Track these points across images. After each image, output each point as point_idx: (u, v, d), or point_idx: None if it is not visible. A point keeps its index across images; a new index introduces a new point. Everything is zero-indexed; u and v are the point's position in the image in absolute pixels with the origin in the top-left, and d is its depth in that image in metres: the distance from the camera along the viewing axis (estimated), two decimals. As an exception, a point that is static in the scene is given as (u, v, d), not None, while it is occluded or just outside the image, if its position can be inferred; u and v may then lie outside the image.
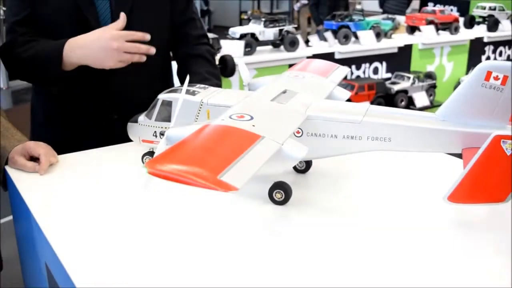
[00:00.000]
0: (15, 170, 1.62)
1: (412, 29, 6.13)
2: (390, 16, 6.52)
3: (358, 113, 1.39)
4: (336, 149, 1.41)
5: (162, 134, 1.52)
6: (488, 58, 6.58)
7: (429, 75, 5.73)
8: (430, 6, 6.74)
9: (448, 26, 6.21)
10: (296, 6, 10.92)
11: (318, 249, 1.21)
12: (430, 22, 6.07)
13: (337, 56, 5.06)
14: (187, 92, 1.50)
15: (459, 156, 1.39)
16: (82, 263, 1.14)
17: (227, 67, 4.05)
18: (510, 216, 1.34)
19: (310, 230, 1.29)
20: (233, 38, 4.64)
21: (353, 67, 5.33)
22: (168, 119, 1.51)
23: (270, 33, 4.72)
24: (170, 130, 1.34)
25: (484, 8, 6.93)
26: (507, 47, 6.86)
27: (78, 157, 1.76)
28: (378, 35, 5.48)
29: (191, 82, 1.56)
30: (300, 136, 1.40)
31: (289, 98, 1.46)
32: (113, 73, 1.83)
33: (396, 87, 5.38)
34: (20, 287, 1.91)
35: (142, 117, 1.58)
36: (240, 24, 5.67)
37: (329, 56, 4.87)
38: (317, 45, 5.14)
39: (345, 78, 5.08)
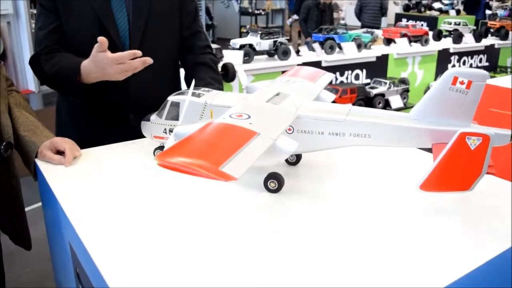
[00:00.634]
0: (44, 163, 1.61)
1: (388, 41, 6.13)
2: (369, 30, 6.51)
3: (342, 112, 1.37)
4: (322, 144, 1.40)
5: (171, 131, 1.51)
6: (453, 66, 6.59)
7: (403, 81, 5.74)
8: (404, 21, 6.73)
9: (419, 38, 6.22)
10: (289, 21, 10.92)
11: (308, 231, 1.20)
12: (403, 35, 6.08)
13: (323, 64, 5.05)
14: (193, 94, 1.49)
15: (429, 150, 1.38)
16: (100, 242, 1.13)
17: (228, 74, 4.04)
18: (474, 203, 1.33)
19: (301, 214, 1.28)
20: (233, 48, 4.63)
21: (337, 73, 5.33)
22: (176, 118, 1.50)
23: (265, 44, 4.71)
24: (178, 128, 1.32)
25: (450, 23, 6.95)
26: (469, 57, 6.88)
27: (99, 151, 1.74)
28: (359, 46, 5.48)
29: (196, 86, 1.55)
30: (291, 133, 1.39)
31: (282, 99, 1.44)
32: (130, 81, 1.83)
33: (374, 91, 5.38)
34: (48, 263, 1.90)
35: (154, 116, 1.57)
36: (240, 36, 5.65)
37: (316, 64, 4.86)
38: (307, 55, 5.13)
39: (330, 83, 5.08)
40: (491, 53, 7.14)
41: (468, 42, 6.73)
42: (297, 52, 5.20)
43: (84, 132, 1.86)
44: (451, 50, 6.53)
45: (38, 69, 1.88)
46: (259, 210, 1.32)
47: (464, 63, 6.77)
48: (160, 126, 1.54)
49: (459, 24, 6.87)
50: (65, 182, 1.47)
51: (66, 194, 1.39)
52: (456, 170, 1.20)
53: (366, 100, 5.27)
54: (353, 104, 1.89)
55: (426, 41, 6.26)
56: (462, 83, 1.27)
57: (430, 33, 6.56)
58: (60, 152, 1.61)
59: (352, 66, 5.48)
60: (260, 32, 4.76)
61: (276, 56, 4.81)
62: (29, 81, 7.24)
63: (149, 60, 1.69)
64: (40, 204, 1.74)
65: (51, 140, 1.63)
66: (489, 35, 7.38)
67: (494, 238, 1.16)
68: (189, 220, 1.25)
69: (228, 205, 1.34)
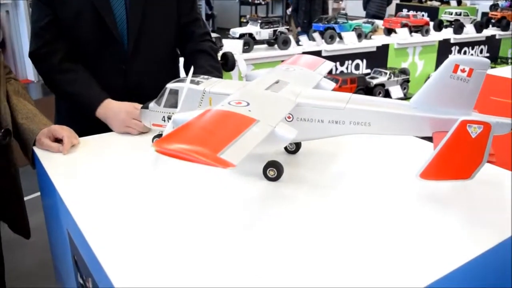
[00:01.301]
0: (42, 150, 1.60)
1: (389, 31, 6.09)
2: (369, 20, 6.47)
3: (341, 100, 1.36)
4: (322, 132, 1.39)
5: (169, 118, 1.50)
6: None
7: (403, 71, 5.70)
8: (404, 12, 6.69)
9: (420, 28, 6.18)
10: (289, 11, 10.85)
11: (306, 220, 1.19)
12: (404, 25, 6.04)
13: (323, 54, 5.02)
14: (192, 82, 1.48)
15: (428, 139, 1.37)
16: (98, 229, 1.13)
17: (228, 63, 4.01)
18: (473, 191, 1.32)
19: (299, 203, 1.28)
20: (233, 38, 4.60)
21: (338, 63, 5.30)
22: (175, 105, 1.49)
23: (265, 33, 4.68)
24: (176, 115, 1.31)
25: (451, 14, 6.91)
26: (470, 47, 6.84)
27: (97, 139, 1.73)
28: (360, 36, 5.45)
29: (195, 74, 1.54)
30: (291, 121, 1.38)
31: (281, 87, 1.43)
32: (128, 70, 1.83)
33: (374, 81, 5.35)
34: (47, 252, 1.90)
35: (152, 104, 1.55)
36: (240, 26, 5.63)
37: (316, 54, 4.81)
38: (306, 44, 5.09)
39: (330, 73, 5.07)
40: (492, 43, 7.10)
41: (469, 32, 6.70)
42: (297, 41, 5.16)
43: (83, 122, 1.85)
44: (452, 41, 6.48)
45: (47, 73, 1.89)
46: (258, 198, 1.31)
47: (464, 53, 6.73)
48: (158, 113, 1.53)
49: (460, 15, 6.83)
50: (63, 170, 1.47)
51: (64, 181, 1.39)
52: (457, 158, 1.19)
53: (366, 90, 5.25)
54: (353, 93, 1.88)
55: (427, 32, 6.22)
56: (463, 71, 1.26)
57: (431, 24, 6.52)
58: (58, 140, 1.61)
59: (352, 56, 5.45)
60: (260, 21, 4.73)
61: (276, 46, 4.78)
62: (28, 70, 7.21)
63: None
64: (39, 193, 1.73)
65: (49, 128, 1.62)
66: (490, 25, 7.34)
67: (494, 228, 1.16)
68: (186, 209, 1.24)
69: (227, 192, 1.33)
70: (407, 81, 5.69)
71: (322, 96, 1.41)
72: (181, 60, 2.18)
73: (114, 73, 1.87)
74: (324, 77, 1.71)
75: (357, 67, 5.54)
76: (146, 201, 1.28)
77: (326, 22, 5.31)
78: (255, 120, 1.12)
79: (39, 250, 2.85)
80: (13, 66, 7.05)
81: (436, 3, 10.45)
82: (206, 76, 1.57)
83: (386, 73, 5.45)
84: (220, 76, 1.99)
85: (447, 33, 6.57)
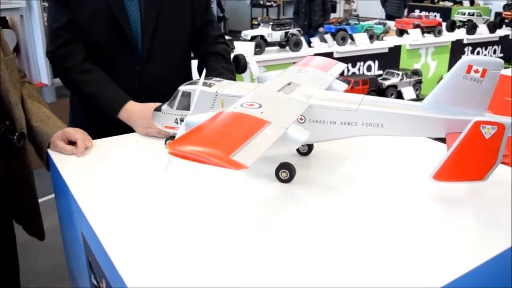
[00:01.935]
0: (56, 153, 1.62)
1: (401, 32, 6.07)
2: (381, 21, 6.44)
3: (354, 102, 1.36)
4: (334, 134, 1.38)
5: (182, 120, 1.51)
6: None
7: (416, 72, 5.68)
8: (417, 12, 6.66)
9: (432, 29, 6.14)
10: None
11: (319, 222, 1.19)
12: (416, 26, 6.00)
13: (335, 56, 5.01)
14: (204, 84, 1.48)
15: (441, 140, 1.36)
16: (112, 232, 1.14)
17: (240, 65, 4.03)
18: (487, 193, 1.31)
19: (311, 204, 1.28)
20: (245, 40, 4.61)
21: (349, 65, 5.29)
22: (187, 108, 1.49)
23: (277, 35, 4.69)
24: (189, 117, 1.32)
25: (464, 14, 6.86)
26: (483, 48, 6.78)
27: (111, 141, 1.74)
28: (371, 37, 5.43)
29: (208, 76, 1.55)
30: (303, 123, 1.37)
31: (293, 89, 1.43)
32: (143, 72, 1.87)
33: (387, 83, 5.33)
34: (60, 254, 1.91)
35: (165, 106, 1.56)
36: (251, 28, 5.64)
37: (328, 55, 4.82)
38: (318, 46, 5.09)
39: (342, 74, 5.05)
40: (506, 44, 7.04)
41: (482, 33, 6.64)
42: (309, 43, 5.16)
43: (97, 124, 1.87)
44: (465, 41, 6.43)
45: (63, 68, 1.90)
46: (271, 200, 1.31)
47: (478, 54, 6.68)
48: (171, 116, 1.54)
49: (473, 15, 6.78)
50: (77, 172, 1.48)
51: (78, 184, 1.40)
52: (471, 159, 1.18)
53: (378, 91, 5.23)
54: (365, 94, 1.88)
55: (440, 32, 6.18)
56: (476, 71, 1.25)
57: (444, 24, 6.48)
58: (72, 143, 1.62)
59: (364, 57, 5.43)
60: (271, 23, 4.73)
61: (287, 48, 4.78)
62: (42, 74, 7.30)
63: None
64: (53, 195, 1.75)
65: (63, 131, 1.64)
66: (504, 25, 7.27)
67: (508, 229, 1.14)
68: (199, 210, 1.24)
69: (240, 194, 1.33)
70: (420, 82, 5.66)
71: (334, 97, 1.40)
72: (193, 62, 2.19)
73: (129, 75, 1.88)
74: (336, 78, 1.70)
75: (369, 68, 5.52)
76: (159, 202, 1.28)
77: (338, 24, 5.30)
78: (268, 122, 1.13)
79: (53, 252, 2.88)
80: (27, 70, 7.13)
81: (449, 4, 10.38)
82: (218, 78, 1.57)
83: (398, 74, 5.42)
84: (233, 78, 2.00)
85: (460, 34, 6.52)
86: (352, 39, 5.30)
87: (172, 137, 1.59)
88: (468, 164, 1.19)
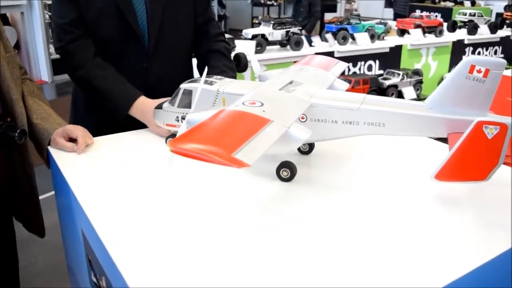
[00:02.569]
0: (56, 150, 1.61)
1: (402, 32, 6.07)
2: (382, 21, 6.44)
3: (356, 101, 1.36)
4: (336, 133, 1.38)
5: (183, 118, 1.50)
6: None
7: (416, 72, 5.68)
8: (418, 12, 6.66)
9: (433, 29, 6.14)
10: None
11: (320, 219, 1.19)
12: (417, 26, 6.00)
13: (336, 55, 5.01)
14: (206, 82, 1.48)
15: (442, 140, 1.36)
16: (112, 229, 1.13)
17: (241, 64, 4.02)
18: (488, 193, 1.31)
19: (312, 203, 1.27)
20: (246, 39, 4.61)
21: (350, 64, 5.28)
22: (188, 105, 1.49)
23: (278, 34, 4.69)
24: (190, 115, 1.31)
25: (465, 14, 6.86)
26: (484, 48, 6.78)
27: (111, 139, 1.74)
28: (372, 37, 5.43)
29: (210, 74, 1.54)
30: (304, 121, 1.37)
31: (295, 87, 1.43)
32: (149, 70, 1.88)
33: (387, 82, 5.33)
34: (60, 251, 1.91)
35: (166, 104, 1.56)
36: (252, 27, 5.63)
37: (329, 55, 4.80)
38: (319, 45, 5.08)
39: (343, 74, 5.05)
40: (507, 44, 7.03)
41: (483, 33, 6.64)
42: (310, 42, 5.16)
43: (100, 122, 1.87)
44: (466, 42, 6.43)
45: (74, 62, 1.88)
46: (271, 198, 1.31)
47: (479, 54, 6.68)
48: (172, 114, 1.54)
49: (474, 15, 6.78)
50: (78, 169, 1.48)
51: (79, 181, 1.39)
52: (473, 159, 1.18)
53: (379, 91, 5.22)
54: (367, 94, 1.87)
55: (441, 32, 6.17)
56: (479, 71, 1.24)
57: (445, 24, 6.47)
58: (72, 140, 1.62)
59: (365, 57, 5.43)
60: (272, 22, 4.73)
61: (288, 47, 4.78)
62: (42, 71, 7.29)
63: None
64: (53, 193, 1.75)
65: (63, 128, 1.63)
66: (505, 26, 7.27)
67: (509, 230, 1.14)
68: (200, 209, 1.24)
69: (241, 193, 1.33)
70: (420, 82, 5.66)
71: (336, 96, 1.40)
72: (194, 60, 2.18)
73: (136, 72, 1.88)
74: (337, 78, 1.70)
75: (369, 68, 5.52)
76: (160, 200, 1.28)
77: (339, 23, 5.30)
78: (269, 121, 1.12)
79: (53, 249, 2.88)
80: (27, 67, 7.11)
81: (450, 4, 10.38)
82: (219, 77, 1.57)
83: (399, 74, 5.42)
84: (234, 76, 2.00)
85: (461, 34, 6.52)
86: (353, 38, 5.30)
87: (173, 135, 1.59)
88: (470, 164, 1.18)
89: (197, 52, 2.12)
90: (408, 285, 0.95)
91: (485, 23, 6.77)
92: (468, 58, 1.25)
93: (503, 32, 6.99)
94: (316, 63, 1.76)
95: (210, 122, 1.09)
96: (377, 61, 5.56)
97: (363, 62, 5.44)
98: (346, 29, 5.25)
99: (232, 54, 4.04)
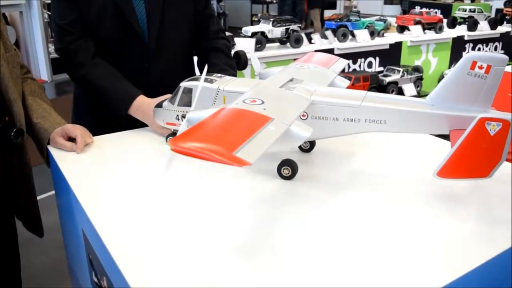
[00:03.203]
0: (56, 150, 1.61)
1: (402, 29, 6.05)
2: (382, 17, 6.43)
3: (357, 98, 1.35)
4: (337, 130, 1.37)
5: (183, 117, 1.50)
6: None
7: (417, 69, 5.66)
8: (417, 9, 6.63)
9: (433, 26, 6.13)
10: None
11: (321, 217, 1.18)
12: (417, 23, 5.99)
13: (336, 52, 4.99)
14: (206, 80, 1.47)
15: (443, 137, 1.35)
16: (113, 229, 1.13)
17: (240, 61, 4.01)
18: (490, 190, 1.30)
19: (313, 201, 1.27)
20: (245, 36, 4.60)
21: (350, 61, 5.27)
22: (188, 104, 1.48)
23: (278, 31, 4.68)
24: (190, 113, 1.31)
25: (465, 11, 6.84)
26: (484, 44, 6.77)
27: (111, 138, 1.74)
28: (372, 34, 5.41)
29: (210, 73, 1.53)
30: (305, 119, 1.36)
31: (296, 85, 1.42)
32: (151, 68, 1.89)
33: (387, 79, 5.32)
34: (61, 251, 1.91)
35: (166, 103, 1.55)
36: (251, 25, 5.60)
37: (329, 52, 4.77)
38: (319, 42, 5.07)
39: (343, 71, 5.02)
40: (507, 40, 7.02)
41: (484, 29, 6.62)
42: (309, 39, 5.14)
43: (102, 122, 1.86)
44: (466, 38, 6.42)
45: (74, 63, 1.88)
46: (273, 196, 1.30)
47: (479, 51, 6.67)
48: (172, 112, 1.53)
49: (474, 11, 6.76)
50: (78, 169, 1.47)
51: (79, 180, 1.39)
52: (475, 156, 1.17)
53: (379, 88, 5.21)
54: (368, 91, 1.86)
55: (441, 29, 6.16)
56: (481, 67, 1.23)
57: (444, 21, 6.46)
58: (72, 139, 1.61)
59: (365, 54, 5.42)
60: (272, 19, 4.72)
61: (288, 44, 4.77)
62: (42, 70, 7.27)
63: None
64: (53, 192, 1.74)
65: (62, 127, 1.63)
66: (505, 22, 7.25)
67: (509, 228, 1.14)
68: (201, 208, 1.23)
69: (242, 191, 1.33)
70: (421, 78, 5.65)
71: (337, 94, 1.39)
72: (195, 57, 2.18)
73: (138, 71, 1.88)
74: (338, 75, 1.69)
75: (369, 65, 5.51)
76: (161, 199, 1.27)
77: (338, 20, 5.29)
78: (270, 118, 1.11)
79: (54, 248, 2.87)
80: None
81: (449, 0, 10.36)
82: (219, 75, 1.56)
83: (399, 71, 5.41)
84: (234, 74, 1.99)
85: (461, 30, 6.51)
86: (353, 35, 5.28)
87: (173, 134, 1.58)
88: (473, 161, 1.17)
89: (197, 50, 2.12)
90: (410, 283, 0.94)
91: (485, 19, 6.76)
92: (469, 54, 1.24)
93: (503, 28, 6.98)
94: (316, 60, 1.75)
95: (210, 121, 1.08)
96: (377, 58, 5.55)
97: (363, 59, 5.43)
98: (345, 26, 5.24)
99: (232, 52, 4.03)
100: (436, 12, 7.09)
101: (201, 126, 1.05)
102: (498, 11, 8.39)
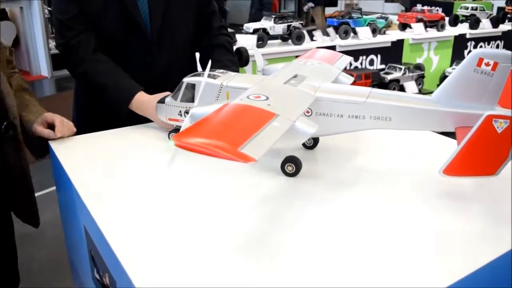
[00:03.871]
0: (58, 144, 1.60)
1: (403, 26, 6.03)
2: (383, 15, 6.41)
3: (362, 95, 1.34)
4: (342, 127, 1.36)
5: (186, 112, 1.49)
6: (470, 52, 6.47)
7: (418, 67, 5.65)
8: (419, 6, 6.61)
9: (435, 23, 6.11)
10: (305, 8, 10.72)
11: (324, 214, 1.17)
12: (419, 20, 5.97)
13: (338, 49, 4.96)
14: (209, 76, 1.46)
15: (447, 134, 1.34)
16: (115, 225, 1.12)
17: (242, 58, 3.99)
18: (496, 189, 1.29)
19: (317, 198, 1.26)
20: (247, 33, 4.58)
21: (352, 59, 5.25)
22: (191, 100, 1.47)
23: (279, 28, 4.66)
24: (194, 109, 1.30)
25: (467, 8, 6.82)
26: (486, 43, 6.75)
27: (113, 134, 1.73)
28: (374, 31, 5.39)
29: (212, 68, 1.52)
30: (310, 116, 1.35)
31: (300, 81, 1.41)
32: (153, 63, 1.88)
33: (389, 77, 5.30)
34: (62, 246, 1.90)
35: (169, 98, 1.54)
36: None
37: (331, 49, 4.79)
38: (321, 39, 5.05)
39: (345, 68, 5.01)
40: (509, 39, 7.00)
41: (485, 27, 6.60)
42: (311, 36, 5.12)
43: (104, 117, 1.85)
44: (468, 36, 6.39)
45: (75, 59, 1.86)
46: (276, 194, 1.29)
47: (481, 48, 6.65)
48: (175, 108, 1.52)
49: (476, 9, 6.74)
50: (79, 164, 1.46)
51: (80, 176, 1.38)
52: (482, 154, 1.16)
53: (381, 86, 5.19)
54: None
55: (442, 26, 6.14)
56: (487, 64, 1.22)
57: (446, 19, 6.44)
58: (52, 127, 1.62)
59: (366, 51, 5.39)
60: (273, 16, 4.70)
61: (289, 41, 4.75)
62: (42, 66, 7.25)
63: None
64: (54, 188, 1.73)
65: (42, 116, 1.64)
66: (507, 20, 7.23)
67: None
68: (204, 204, 1.22)
69: (246, 188, 1.31)
70: (422, 76, 5.63)
71: (341, 90, 1.38)
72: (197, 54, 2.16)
73: (140, 66, 1.87)
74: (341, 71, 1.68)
75: (371, 62, 5.49)
76: (163, 196, 1.26)
77: (340, 17, 5.27)
78: (275, 115, 1.10)
79: (55, 244, 2.87)
80: (26, 62, 7.08)
81: (451, -2, 10.33)
82: (223, 70, 1.55)
83: (401, 69, 5.40)
84: (236, 70, 1.97)
85: (463, 28, 6.49)
86: (355, 32, 5.26)
87: (175, 130, 1.57)
88: (479, 158, 1.16)
89: (200, 46, 2.10)
90: (415, 283, 0.93)
91: (487, 18, 6.74)
92: (476, 51, 1.23)
93: (505, 27, 6.96)
94: (319, 57, 1.74)
95: (215, 116, 1.07)
96: (379, 56, 5.53)
97: (364, 57, 5.41)
98: (347, 23, 5.22)
99: (234, 48, 4.01)
100: (437, 10, 7.09)
101: (206, 121, 1.04)
102: (500, 9, 8.37)
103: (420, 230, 1.11)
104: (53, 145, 1.60)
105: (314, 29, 5.52)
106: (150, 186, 1.32)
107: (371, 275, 0.95)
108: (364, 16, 5.46)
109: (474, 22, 6.49)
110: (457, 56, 6.28)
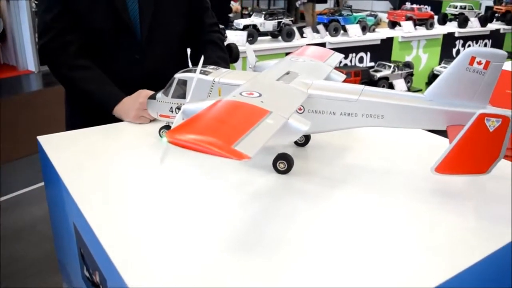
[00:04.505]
0: (46, 140, 1.57)
1: (393, 24, 6.07)
2: (372, 13, 6.44)
3: (354, 92, 1.33)
4: (334, 124, 1.36)
5: (178, 109, 1.47)
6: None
7: (407, 65, 5.69)
8: (408, 5, 6.65)
9: (424, 22, 6.15)
10: (297, 4, 10.72)
11: (316, 212, 1.17)
12: (409, 18, 6.00)
13: (328, 46, 4.98)
14: (201, 72, 1.45)
15: (438, 132, 1.34)
16: (106, 222, 1.10)
17: (232, 54, 3.99)
18: (488, 187, 1.30)
19: (309, 195, 1.25)
20: (237, 29, 4.57)
21: (343, 56, 5.27)
22: (183, 96, 1.46)
23: (269, 25, 4.66)
24: (186, 105, 1.28)
25: (456, 7, 6.88)
26: (474, 41, 6.81)
27: (103, 130, 1.70)
28: (364, 29, 5.42)
29: (204, 64, 1.51)
30: (302, 113, 1.35)
31: (292, 78, 1.40)
32: (144, 60, 1.87)
33: (378, 74, 5.33)
34: (50, 242, 1.88)
35: (160, 94, 1.53)
36: (242, 18, 5.55)
37: (321, 46, 4.80)
38: (311, 36, 5.06)
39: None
40: (496, 38, 7.07)
41: (474, 26, 6.67)
42: (301, 32, 5.13)
43: (97, 113, 1.83)
44: (456, 34, 6.45)
45: (55, 64, 1.85)
46: (268, 191, 1.28)
47: (468, 47, 6.70)
48: (166, 104, 1.50)
49: (465, 8, 6.80)
50: (69, 160, 1.44)
51: (70, 172, 1.36)
52: (474, 152, 1.16)
53: (370, 83, 5.22)
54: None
55: (431, 25, 6.18)
56: (479, 63, 1.23)
57: (436, 17, 6.48)
58: None
59: (356, 49, 5.42)
60: (264, 13, 4.70)
61: (280, 38, 4.75)
62: (29, 61, 7.17)
63: None
64: (43, 184, 1.71)
65: None
66: (495, 19, 7.30)
67: (509, 224, 1.13)
68: (195, 202, 1.21)
69: (237, 185, 1.31)
70: (411, 74, 5.67)
71: (334, 87, 1.38)
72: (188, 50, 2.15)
73: (129, 64, 1.85)
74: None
75: (361, 60, 5.51)
76: (154, 193, 1.25)
77: (330, 15, 5.28)
78: (268, 111, 1.10)
79: (45, 240, 2.84)
80: (13, 56, 7.00)
81: (440, -3, 10.38)
82: (214, 66, 1.54)
83: (390, 66, 5.43)
84: (227, 67, 1.96)
85: (452, 27, 6.54)
86: (345, 30, 5.28)
87: (166, 126, 1.56)
88: (471, 157, 1.17)
89: (192, 42, 2.09)
90: (407, 282, 0.93)
91: (475, 16, 6.80)
92: (468, 50, 1.24)
93: (493, 26, 7.03)
94: (311, 54, 1.73)
95: (208, 113, 1.06)
96: (369, 53, 5.55)
97: (354, 54, 5.43)
98: (337, 21, 5.23)
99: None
100: (426, 9, 7.12)
101: (199, 118, 1.03)
102: (488, 8, 8.44)
103: (412, 227, 1.11)
104: (42, 140, 1.57)
105: (304, 26, 5.52)
106: (141, 183, 1.31)
107: (364, 273, 0.94)
108: (354, 14, 5.48)
109: (463, 21, 6.55)
110: (446, 54, 6.33)
